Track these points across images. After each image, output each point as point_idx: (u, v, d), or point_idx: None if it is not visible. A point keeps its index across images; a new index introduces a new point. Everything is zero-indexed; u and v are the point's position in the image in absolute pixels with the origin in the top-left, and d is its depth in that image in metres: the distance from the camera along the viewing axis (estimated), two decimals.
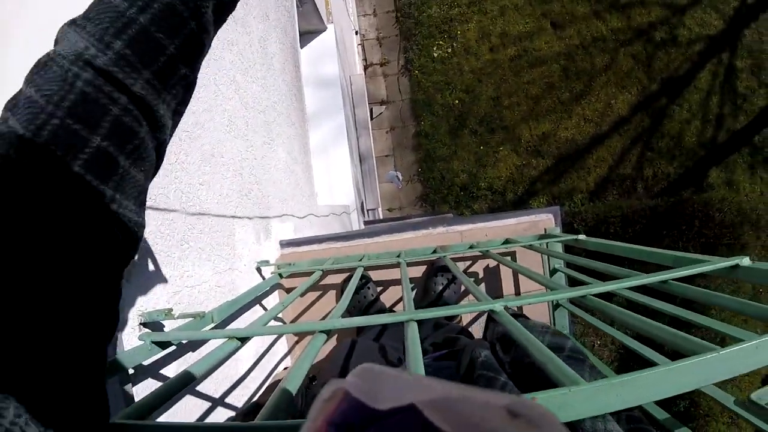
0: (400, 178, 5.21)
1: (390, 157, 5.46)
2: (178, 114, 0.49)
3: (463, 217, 1.72)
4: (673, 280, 0.79)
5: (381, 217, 4.83)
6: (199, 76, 0.49)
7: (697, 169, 5.49)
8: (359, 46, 5.42)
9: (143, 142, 0.43)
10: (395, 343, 1.22)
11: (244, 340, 0.68)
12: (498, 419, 0.17)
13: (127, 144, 0.41)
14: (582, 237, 1.36)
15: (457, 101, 5.53)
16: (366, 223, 3.83)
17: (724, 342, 0.53)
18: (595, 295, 0.76)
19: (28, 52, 0.48)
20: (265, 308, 1.50)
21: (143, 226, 0.45)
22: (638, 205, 4.73)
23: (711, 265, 0.77)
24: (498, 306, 0.65)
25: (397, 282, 1.65)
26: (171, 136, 0.49)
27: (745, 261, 0.75)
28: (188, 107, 0.49)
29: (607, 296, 0.88)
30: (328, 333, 0.67)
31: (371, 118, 5.31)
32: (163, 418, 0.87)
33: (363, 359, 0.66)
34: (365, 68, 5.53)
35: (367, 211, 4.30)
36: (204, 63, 0.48)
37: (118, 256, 0.42)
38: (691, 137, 5.53)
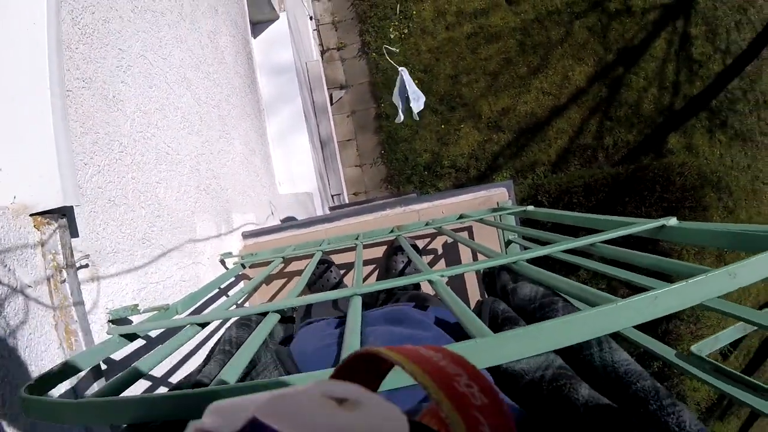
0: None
1: (352, 141, 5.49)
2: None
3: (421, 197, 1.78)
4: (601, 242, 0.85)
5: (347, 202, 4.87)
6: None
7: (656, 135, 5.61)
8: (315, 32, 5.40)
9: None
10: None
11: (204, 325, 0.73)
12: (325, 409, 0.19)
13: None
14: (530, 208, 1.42)
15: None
16: (331, 209, 3.87)
17: None
18: (533, 260, 0.82)
19: None
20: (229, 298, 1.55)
21: None
22: (600, 174, 4.82)
23: (638, 227, 0.82)
24: (435, 276, 0.71)
25: None
26: None
27: (672, 221, 0.79)
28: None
29: (548, 260, 0.95)
30: (282, 312, 0.72)
31: (331, 104, 5.32)
32: None
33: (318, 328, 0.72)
34: (322, 53, 5.53)
35: (332, 196, 4.33)
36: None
37: None
38: (649, 105, 5.64)
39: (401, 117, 3.04)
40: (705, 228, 0.70)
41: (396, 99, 2.98)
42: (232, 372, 0.54)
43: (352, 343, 0.53)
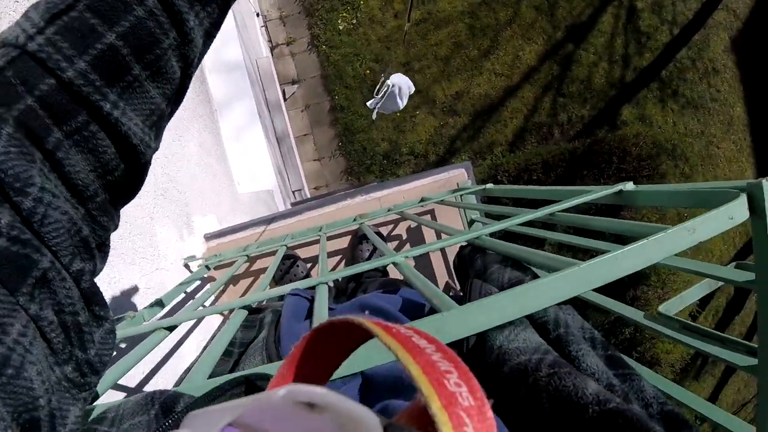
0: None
1: (309, 136, 5.46)
2: (209, 37, 0.45)
3: (381, 184, 1.79)
4: (561, 212, 0.86)
5: (308, 196, 4.85)
6: None
7: (609, 108, 5.70)
8: (263, 28, 5.34)
9: (166, 54, 0.39)
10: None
11: (171, 329, 0.72)
12: (297, 415, 0.18)
13: (145, 52, 0.37)
14: (489, 186, 1.44)
15: (368, 71, 5.55)
16: (293, 204, 3.85)
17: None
18: (494, 234, 0.82)
19: None
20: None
21: (151, 147, 0.42)
22: (557, 150, 4.89)
23: (596, 193, 0.82)
24: (399, 258, 0.72)
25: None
26: (199, 61, 0.45)
27: (629, 186, 0.80)
28: None
29: (514, 238, 0.97)
30: (249, 308, 0.72)
31: (284, 99, 5.27)
32: None
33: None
34: (272, 50, 5.46)
35: (293, 192, 4.31)
36: None
37: (117, 173, 0.40)
38: (601, 79, 5.72)
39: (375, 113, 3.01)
40: (662, 189, 0.71)
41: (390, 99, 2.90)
42: (200, 374, 0.54)
43: None
